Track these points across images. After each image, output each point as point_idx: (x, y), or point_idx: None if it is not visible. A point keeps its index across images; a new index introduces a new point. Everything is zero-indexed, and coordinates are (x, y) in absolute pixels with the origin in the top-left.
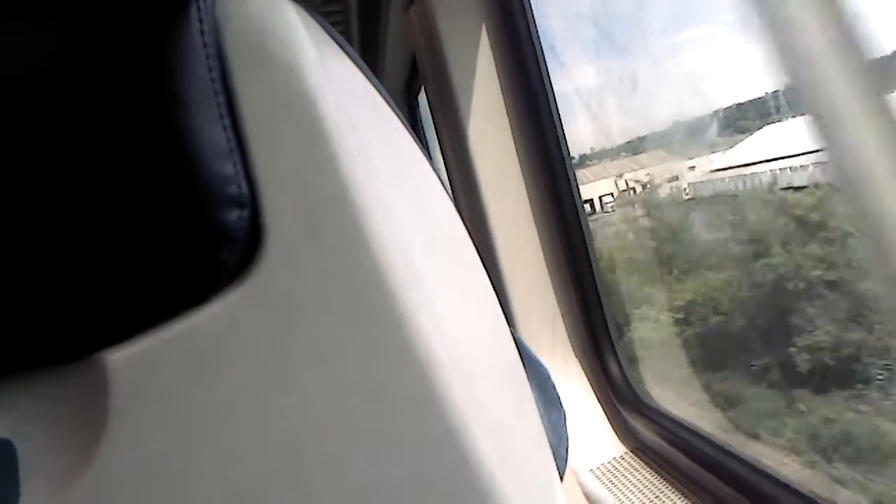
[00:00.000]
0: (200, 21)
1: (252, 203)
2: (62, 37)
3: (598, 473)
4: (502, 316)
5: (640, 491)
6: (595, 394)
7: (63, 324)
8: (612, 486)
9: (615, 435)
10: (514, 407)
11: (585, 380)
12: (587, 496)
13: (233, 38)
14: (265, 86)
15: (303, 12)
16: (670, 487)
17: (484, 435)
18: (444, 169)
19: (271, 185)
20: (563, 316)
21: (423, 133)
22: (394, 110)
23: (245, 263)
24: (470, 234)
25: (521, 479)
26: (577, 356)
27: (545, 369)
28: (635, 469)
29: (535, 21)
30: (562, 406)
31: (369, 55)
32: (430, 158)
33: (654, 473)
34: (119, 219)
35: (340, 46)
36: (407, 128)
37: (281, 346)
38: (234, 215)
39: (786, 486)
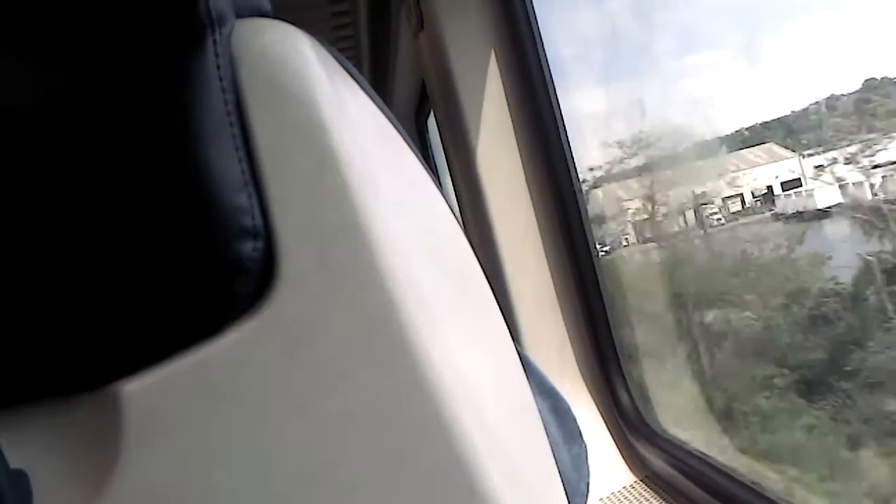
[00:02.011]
0: (217, 55)
1: (266, 235)
2: (80, 71)
3: (608, 502)
4: (513, 346)
5: None
6: (605, 422)
7: (77, 354)
8: None
9: (625, 463)
10: (523, 437)
11: (595, 408)
12: None
13: (248, 72)
14: (279, 119)
15: (316, 45)
16: None
17: (494, 465)
18: (453, 193)
19: (285, 217)
20: (572, 343)
21: (433, 157)
22: (405, 140)
23: (258, 294)
24: (479, 259)
25: None
26: (586, 384)
27: (566, 403)
28: (645, 499)
29: (543, 45)
30: (583, 440)
31: (379, 80)
32: (441, 185)
33: (664, 503)
34: (134, 250)
35: (353, 77)
36: (418, 157)
37: (292, 376)
38: (248, 247)
39: None
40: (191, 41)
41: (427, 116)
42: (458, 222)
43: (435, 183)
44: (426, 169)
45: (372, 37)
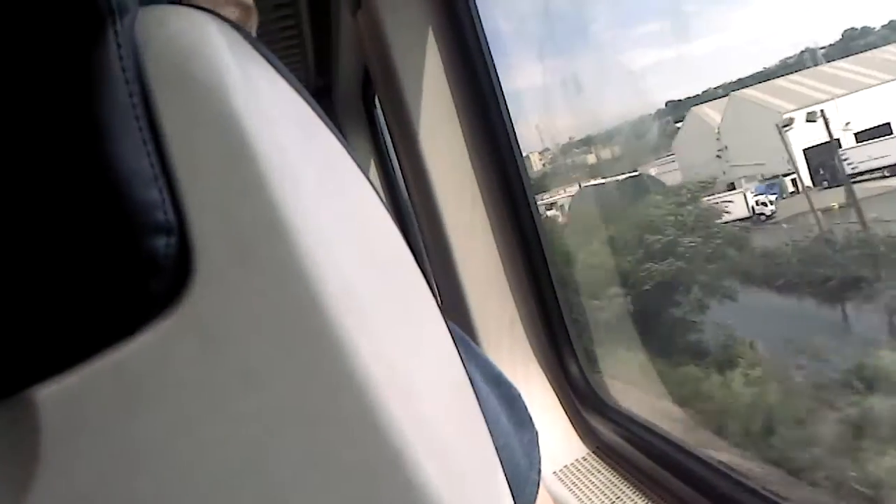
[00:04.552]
0: (118, 46)
1: (179, 230)
2: None
3: (561, 475)
4: (448, 335)
5: (602, 492)
6: (556, 395)
7: None
8: (574, 488)
9: (577, 436)
10: (462, 428)
11: (546, 382)
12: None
13: (153, 62)
14: (189, 109)
15: (228, 30)
16: (631, 487)
17: (428, 457)
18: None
19: (199, 211)
20: (521, 319)
21: (383, 138)
22: (329, 127)
23: (175, 292)
24: (426, 240)
25: (467, 500)
26: (536, 358)
27: (516, 389)
28: (597, 470)
29: (481, 21)
30: (533, 427)
31: (323, 61)
32: (392, 167)
33: (615, 474)
34: (42, 252)
35: (270, 62)
36: (343, 144)
37: (214, 374)
38: (161, 243)
39: (743, 486)
40: (89, 32)
41: (374, 97)
42: (386, 206)
43: (361, 168)
44: (351, 155)
45: (313, 17)
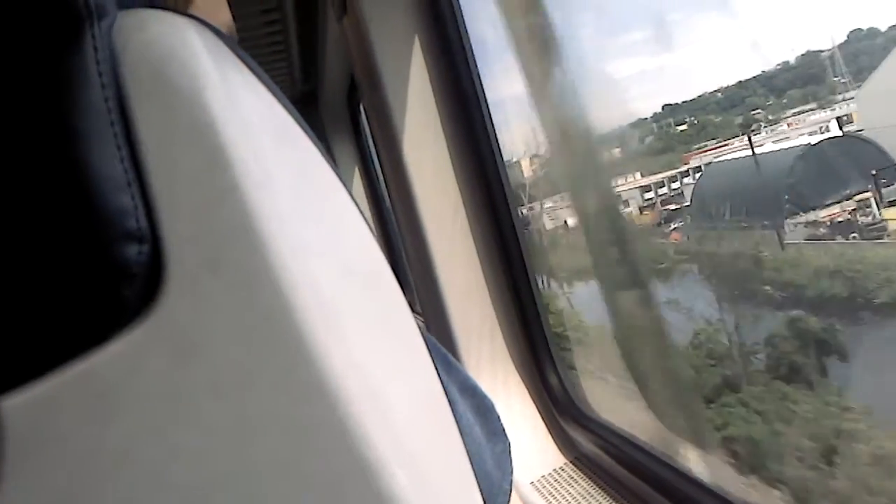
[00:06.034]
0: (95, 49)
1: (152, 237)
2: None
3: (539, 486)
4: (424, 346)
5: (579, 502)
6: (535, 405)
7: None
8: (552, 498)
9: (555, 446)
10: (435, 439)
11: (525, 391)
12: None
13: (130, 66)
14: (165, 114)
15: (209, 36)
16: (609, 498)
17: (399, 467)
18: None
19: (172, 218)
20: (501, 328)
21: (368, 143)
22: (308, 135)
23: (146, 300)
24: (407, 248)
25: None
26: (516, 368)
27: (489, 400)
28: (574, 480)
29: (466, 27)
30: (506, 437)
31: (309, 67)
32: (376, 174)
33: (593, 484)
34: (10, 258)
35: (250, 68)
36: (323, 153)
37: (185, 383)
38: (133, 250)
39: (720, 497)
40: (66, 35)
41: (360, 103)
42: (363, 215)
43: (340, 178)
44: (330, 164)
45: (299, 24)
